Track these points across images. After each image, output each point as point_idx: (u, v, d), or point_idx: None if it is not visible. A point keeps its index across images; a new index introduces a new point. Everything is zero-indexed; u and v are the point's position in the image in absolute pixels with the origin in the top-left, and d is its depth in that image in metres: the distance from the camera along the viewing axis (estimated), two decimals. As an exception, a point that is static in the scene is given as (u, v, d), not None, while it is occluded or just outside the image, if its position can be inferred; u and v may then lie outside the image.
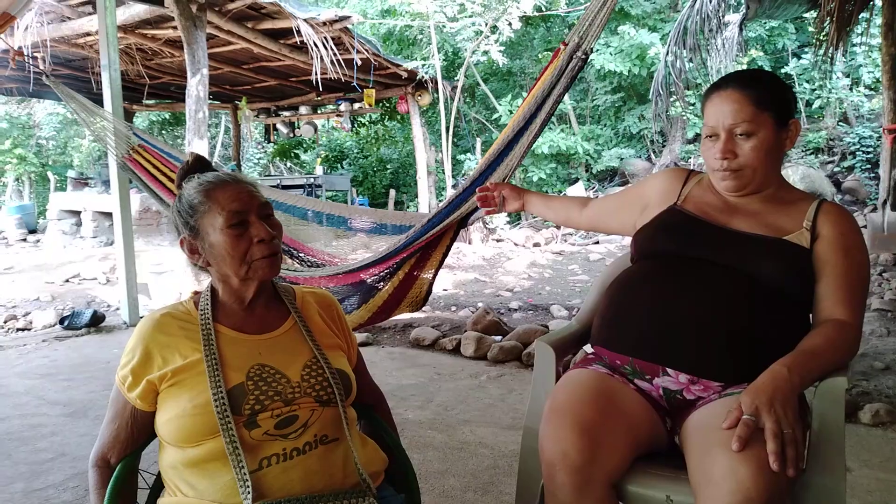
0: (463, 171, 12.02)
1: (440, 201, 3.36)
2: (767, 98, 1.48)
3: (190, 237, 1.26)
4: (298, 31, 6.54)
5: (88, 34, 6.83)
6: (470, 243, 9.35)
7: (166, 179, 3.48)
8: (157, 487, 1.27)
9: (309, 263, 3.72)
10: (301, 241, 3.65)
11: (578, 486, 1.27)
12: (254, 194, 1.26)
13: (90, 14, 6.37)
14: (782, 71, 12.05)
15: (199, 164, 1.32)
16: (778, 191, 1.56)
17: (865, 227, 6.69)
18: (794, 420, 1.20)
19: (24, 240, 11.70)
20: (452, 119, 10.28)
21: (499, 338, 4.43)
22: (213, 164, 1.38)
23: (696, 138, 12.26)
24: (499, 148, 2.89)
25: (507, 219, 11.71)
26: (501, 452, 2.72)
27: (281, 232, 1.29)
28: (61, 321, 5.19)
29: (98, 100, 4.90)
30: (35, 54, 6.65)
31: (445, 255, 3.10)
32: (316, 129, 12.04)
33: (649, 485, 1.33)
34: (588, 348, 1.63)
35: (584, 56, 2.67)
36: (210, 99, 9.22)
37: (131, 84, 9.15)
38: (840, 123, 11.61)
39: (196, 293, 1.31)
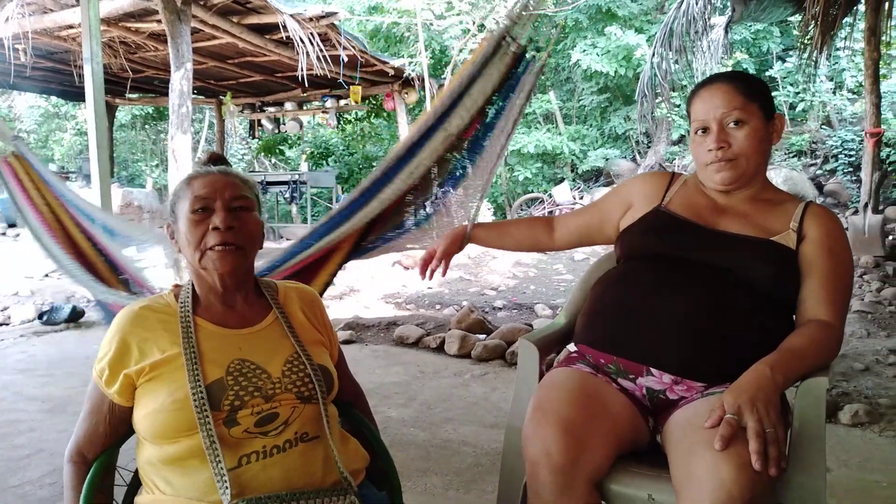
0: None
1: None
2: (754, 90, 1.50)
3: (171, 221, 1.28)
4: (284, 27, 6.50)
5: (71, 26, 6.74)
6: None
7: (38, 196, 2.93)
8: (135, 485, 1.25)
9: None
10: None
11: (561, 485, 1.27)
12: (228, 184, 1.24)
13: (73, 6, 6.29)
14: (766, 74, 12.14)
15: (213, 161, 1.32)
16: (764, 191, 1.57)
17: (847, 229, 6.76)
18: (777, 419, 1.20)
19: (3, 234, 11.52)
20: (439, 117, 10.23)
21: (483, 336, 4.43)
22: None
23: (682, 140, 12.33)
24: (399, 152, 2.19)
25: (493, 218, 11.70)
26: (484, 450, 2.72)
27: (255, 227, 1.26)
28: (40, 316, 5.13)
29: (80, 93, 4.84)
30: (16, 46, 6.56)
31: (330, 281, 2.40)
32: (301, 126, 11.97)
33: (631, 484, 1.33)
34: (571, 346, 1.63)
35: (516, 46, 2.09)
36: (194, 94, 9.16)
37: (114, 78, 9.06)
38: (823, 127, 11.72)
39: (177, 286, 1.30)
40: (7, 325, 5.17)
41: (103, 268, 2.77)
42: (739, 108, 1.48)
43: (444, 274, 1.90)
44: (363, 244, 2.38)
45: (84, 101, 4.68)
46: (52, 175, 2.98)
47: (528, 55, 2.11)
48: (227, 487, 1.06)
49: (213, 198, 1.22)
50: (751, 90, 1.50)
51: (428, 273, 1.88)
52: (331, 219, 2.30)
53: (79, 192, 3.15)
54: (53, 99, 16.51)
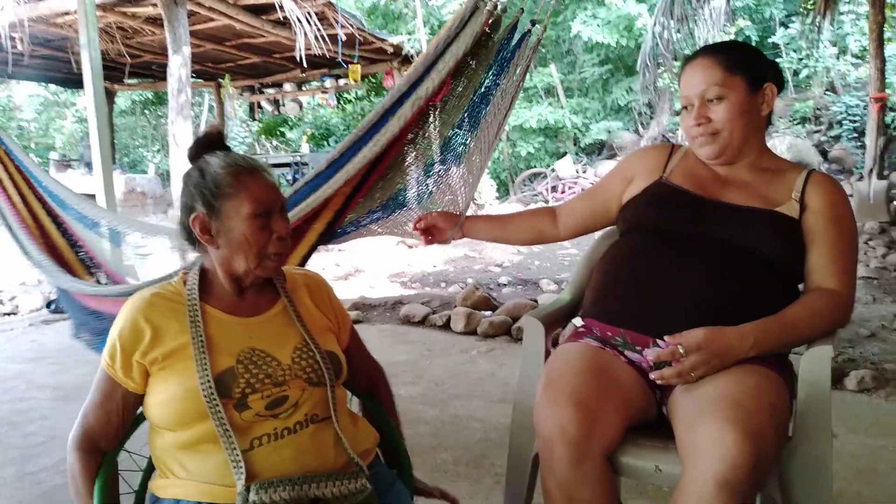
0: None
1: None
2: (737, 62, 1.50)
3: (205, 215, 1.21)
4: (281, 7, 6.44)
5: (67, 13, 6.68)
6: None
7: (12, 188, 2.91)
8: (150, 469, 1.27)
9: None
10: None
11: (576, 459, 1.28)
12: (275, 186, 1.25)
13: (68, -8, 6.25)
14: (769, 40, 12.02)
15: (218, 139, 1.30)
16: (762, 159, 1.56)
17: (852, 195, 6.73)
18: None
19: (9, 223, 11.57)
20: (439, 94, 10.18)
21: (488, 313, 4.45)
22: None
23: (684, 110, 12.24)
24: (370, 120, 2.01)
25: (496, 194, 11.68)
26: (493, 426, 2.74)
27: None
28: (48, 305, 5.16)
29: (79, 80, 4.82)
30: (13, 34, 6.53)
31: (308, 255, 2.22)
32: (301, 107, 11.91)
33: (640, 455, 1.34)
34: (578, 321, 1.64)
35: (492, 5, 1.86)
36: (193, 77, 9.10)
37: (112, 63, 9.01)
38: (827, 92, 11.63)
39: (185, 272, 1.29)
40: (15, 314, 5.21)
41: (73, 260, 2.80)
42: (719, 84, 1.48)
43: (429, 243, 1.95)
44: (337, 225, 2.20)
45: (83, 88, 4.66)
46: (31, 162, 2.88)
47: (521, 26, 1.95)
48: (241, 471, 1.08)
49: (273, 204, 1.22)
50: (733, 62, 1.49)
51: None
52: (307, 183, 2.09)
53: (81, 179, 3.22)
54: (52, 87, 16.46)
